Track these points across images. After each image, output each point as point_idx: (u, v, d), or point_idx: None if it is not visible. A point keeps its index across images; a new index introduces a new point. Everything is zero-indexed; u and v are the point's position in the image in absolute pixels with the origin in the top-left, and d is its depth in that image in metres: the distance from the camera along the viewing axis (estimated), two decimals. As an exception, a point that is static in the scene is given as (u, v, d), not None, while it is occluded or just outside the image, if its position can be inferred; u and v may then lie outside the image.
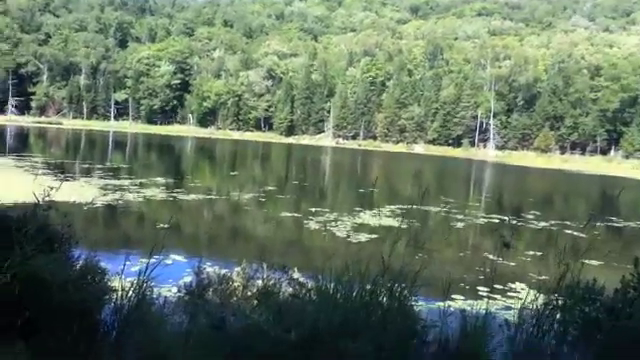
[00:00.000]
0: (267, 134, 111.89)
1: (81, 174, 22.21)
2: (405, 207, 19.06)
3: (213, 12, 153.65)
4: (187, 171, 30.78)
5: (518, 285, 9.30)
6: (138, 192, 17.43)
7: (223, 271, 5.98)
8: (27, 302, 3.41)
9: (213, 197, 18.41)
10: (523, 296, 4.85)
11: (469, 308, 4.28)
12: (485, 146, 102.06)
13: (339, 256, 10.81)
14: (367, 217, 16.20)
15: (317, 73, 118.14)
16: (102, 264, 5.13)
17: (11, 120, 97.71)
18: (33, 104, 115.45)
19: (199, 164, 37.67)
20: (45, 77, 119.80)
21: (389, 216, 16.73)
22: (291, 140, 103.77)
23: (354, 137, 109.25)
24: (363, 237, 12.90)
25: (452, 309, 4.39)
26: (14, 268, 3.49)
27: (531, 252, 12.62)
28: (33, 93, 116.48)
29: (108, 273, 5.19)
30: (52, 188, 4.61)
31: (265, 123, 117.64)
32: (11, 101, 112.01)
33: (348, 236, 12.93)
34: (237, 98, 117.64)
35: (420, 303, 4.46)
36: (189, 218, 15.16)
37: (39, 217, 4.50)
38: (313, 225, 14.20)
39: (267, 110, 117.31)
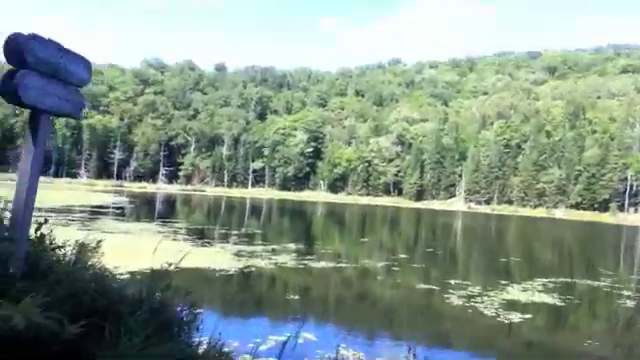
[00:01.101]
0: (396, 199, 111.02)
1: (218, 240, 22.78)
2: (557, 280, 16.93)
3: (345, 83, 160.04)
4: (317, 237, 30.64)
5: None
6: (270, 259, 17.27)
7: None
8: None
9: (344, 265, 17.71)
10: None
11: None
12: (637, 210, 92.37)
13: (499, 341, 9.42)
14: (515, 292, 14.41)
15: (448, 137, 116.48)
16: (230, 341, 4.52)
17: (160, 188, 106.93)
18: (181, 173, 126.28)
19: (329, 230, 37.54)
20: (192, 148, 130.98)
21: (541, 291, 14.77)
22: (420, 205, 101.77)
23: (487, 202, 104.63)
24: (516, 317, 11.29)
25: None
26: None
27: None
28: (181, 163, 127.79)
29: (234, 357, 4.55)
30: (171, 264, 4.17)
31: (394, 188, 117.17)
32: (162, 170, 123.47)
33: (498, 315, 11.38)
34: (367, 164, 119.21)
35: None
36: (320, 288, 14.52)
37: (156, 297, 4.01)
38: (455, 300, 12.82)
39: (396, 175, 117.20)
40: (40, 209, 31.61)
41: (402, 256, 21.69)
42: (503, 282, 15.95)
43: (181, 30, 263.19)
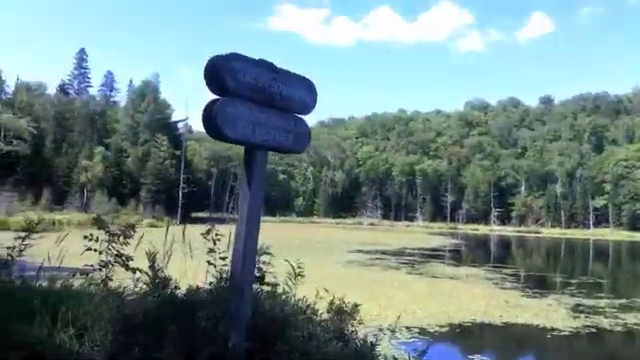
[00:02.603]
0: None
1: (552, 290, 20.52)
2: None
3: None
4: (684, 289, 24.97)
5: None
6: (616, 317, 14.50)
7: None
8: None
9: None
10: None
11: None
12: None
13: None
14: None
15: None
16: None
17: (493, 230, 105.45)
18: (513, 214, 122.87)
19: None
20: (523, 188, 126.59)
21: None
22: None
23: None
24: None
25: None
26: None
27: None
28: (512, 204, 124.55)
29: None
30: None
31: None
32: (493, 212, 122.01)
33: None
34: None
35: None
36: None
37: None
38: None
39: None
40: (379, 252, 34.12)
41: None
42: None
43: (502, 68, 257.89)
